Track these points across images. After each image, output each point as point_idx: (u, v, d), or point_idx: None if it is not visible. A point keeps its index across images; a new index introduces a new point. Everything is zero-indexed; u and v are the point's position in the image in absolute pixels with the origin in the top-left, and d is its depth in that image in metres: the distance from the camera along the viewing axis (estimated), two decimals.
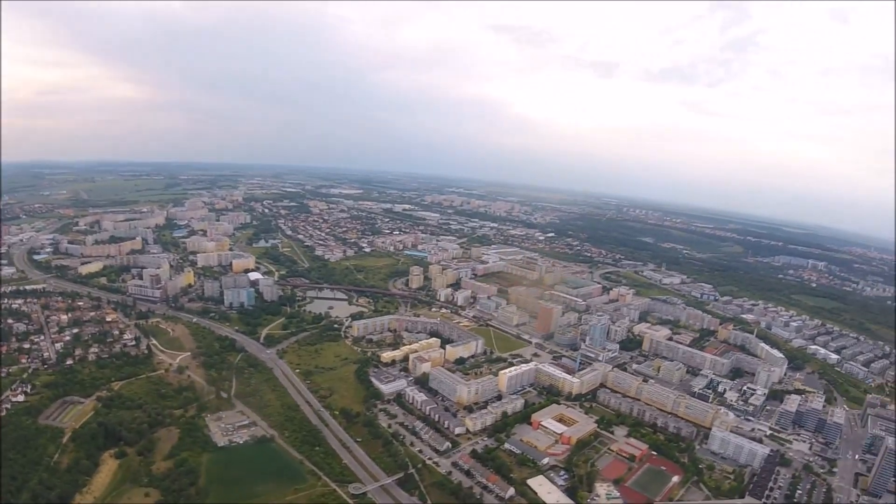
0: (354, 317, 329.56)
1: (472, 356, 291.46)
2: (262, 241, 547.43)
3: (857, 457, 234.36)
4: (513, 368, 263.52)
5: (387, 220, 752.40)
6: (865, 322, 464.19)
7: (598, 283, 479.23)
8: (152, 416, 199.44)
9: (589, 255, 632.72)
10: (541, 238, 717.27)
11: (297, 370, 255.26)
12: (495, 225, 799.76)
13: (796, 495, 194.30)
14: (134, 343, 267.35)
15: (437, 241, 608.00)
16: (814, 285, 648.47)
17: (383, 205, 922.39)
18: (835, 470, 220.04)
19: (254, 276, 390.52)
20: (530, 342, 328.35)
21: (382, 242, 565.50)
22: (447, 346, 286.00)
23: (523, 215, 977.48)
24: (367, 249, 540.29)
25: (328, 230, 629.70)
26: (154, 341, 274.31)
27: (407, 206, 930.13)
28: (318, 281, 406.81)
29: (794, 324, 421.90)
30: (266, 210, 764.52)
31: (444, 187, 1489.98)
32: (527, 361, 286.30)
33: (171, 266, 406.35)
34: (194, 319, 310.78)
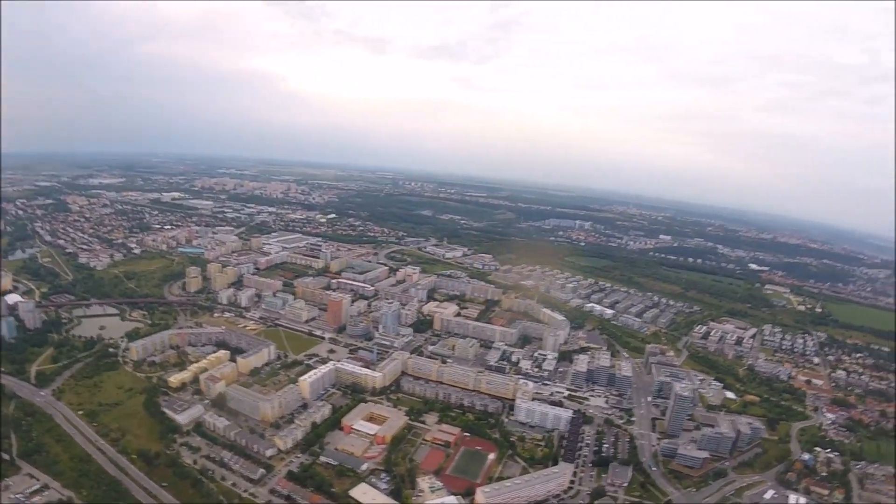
0: (130, 336, 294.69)
1: (267, 364, 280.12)
2: (17, 251, 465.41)
3: (650, 399, 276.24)
4: (312, 372, 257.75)
5: (155, 212, 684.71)
6: (633, 276, 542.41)
7: (384, 264, 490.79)
8: None
9: (372, 234, 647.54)
10: (322, 220, 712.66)
11: (80, 411, 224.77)
12: (273, 209, 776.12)
13: (604, 450, 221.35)
14: None
15: (213, 233, 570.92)
16: (583, 244, 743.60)
17: (150, 194, 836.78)
18: (633, 419, 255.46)
19: (12, 298, 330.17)
20: (324, 338, 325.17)
21: (153, 240, 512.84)
22: (238, 358, 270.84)
23: (301, 196, 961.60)
24: (137, 250, 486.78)
25: (91, 231, 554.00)
26: None
27: (176, 195, 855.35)
28: (85, 296, 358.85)
29: (570, 285, 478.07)
30: (19, 212, 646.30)
31: (214, 169, 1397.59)
32: (324, 360, 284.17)
33: None
34: None
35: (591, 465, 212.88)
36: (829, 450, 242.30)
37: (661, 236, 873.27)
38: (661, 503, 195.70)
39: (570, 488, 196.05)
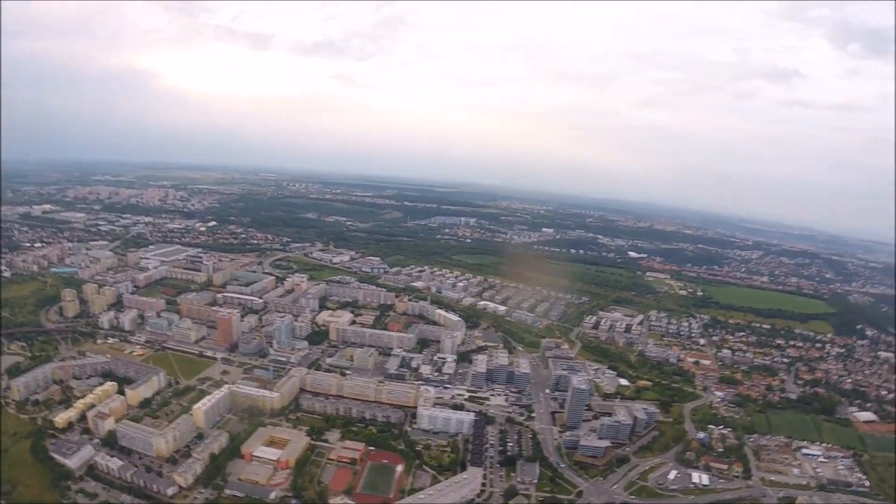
0: (11, 372, 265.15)
1: (157, 393, 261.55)
2: None
3: (547, 392, 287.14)
4: (206, 399, 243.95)
5: (25, 228, 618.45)
6: (521, 271, 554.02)
7: (270, 273, 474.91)
8: None
9: (255, 242, 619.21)
10: (202, 229, 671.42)
11: None
12: (150, 219, 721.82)
13: (509, 448, 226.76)
14: None
15: (87, 249, 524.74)
16: (469, 241, 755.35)
17: (20, 208, 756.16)
18: (533, 415, 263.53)
19: None
20: (216, 359, 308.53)
21: (24, 261, 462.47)
22: (126, 389, 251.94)
23: (180, 203, 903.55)
24: (8, 273, 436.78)
25: None
26: None
27: (48, 207, 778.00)
28: None
29: (461, 284, 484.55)
30: None
31: (88, 176, 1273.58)
32: (217, 383, 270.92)
33: None
34: None
35: (498, 465, 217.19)
36: (721, 426, 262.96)
37: (544, 229, 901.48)
38: (572, 495, 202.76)
39: (483, 491, 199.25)
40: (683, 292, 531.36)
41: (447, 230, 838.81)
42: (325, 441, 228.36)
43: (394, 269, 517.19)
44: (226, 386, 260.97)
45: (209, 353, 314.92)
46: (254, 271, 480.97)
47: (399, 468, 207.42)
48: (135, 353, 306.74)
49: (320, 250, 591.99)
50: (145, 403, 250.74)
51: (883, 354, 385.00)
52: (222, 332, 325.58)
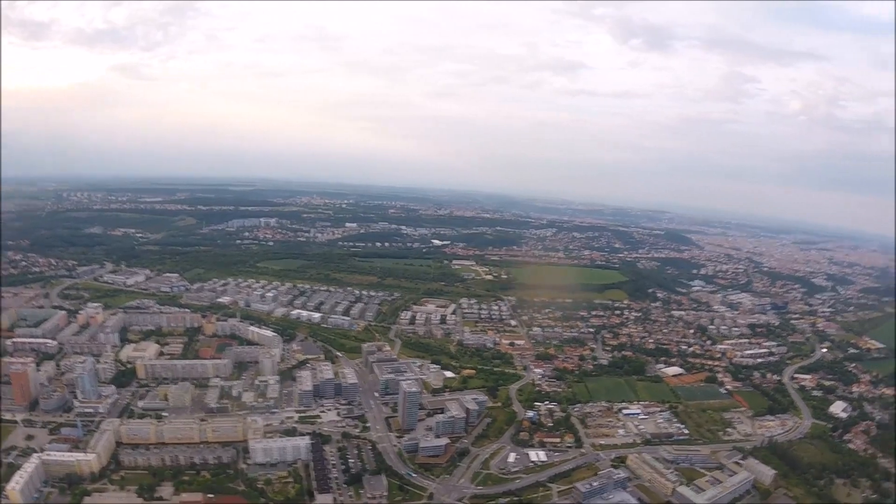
0: None
1: None
2: None
3: (377, 396, 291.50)
4: (17, 475, 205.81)
5: None
6: (330, 273, 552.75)
7: (61, 306, 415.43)
8: None
9: (39, 269, 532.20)
10: None
11: None
12: None
13: (351, 465, 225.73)
14: None
15: None
16: (271, 244, 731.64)
17: None
18: (368, 425, 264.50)
19: None
20: (16, 421, 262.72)
21: None
22: None
23: None
24: None
25: None
26: None
27: None
28: None
29: (270, 294, 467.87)
30: None
31: None
32: (25, 452, 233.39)
33: None
34: None
35: (345, 485, 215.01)
36: (547, 402, 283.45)
37: (348, 224, 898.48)
38: (423, 499, 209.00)
39: None
40: (489, 277, 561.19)
41: (247, 234, 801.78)
42: (160, 498, 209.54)
43: (196, 286, 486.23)
44: (35, 455, 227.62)
45: (7, 416, 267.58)
46: (41, 306, 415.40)
47: None
48: None
49: (111, 272, 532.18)
50: None
51: (676, 313, 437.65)
52: (18, 388, 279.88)
